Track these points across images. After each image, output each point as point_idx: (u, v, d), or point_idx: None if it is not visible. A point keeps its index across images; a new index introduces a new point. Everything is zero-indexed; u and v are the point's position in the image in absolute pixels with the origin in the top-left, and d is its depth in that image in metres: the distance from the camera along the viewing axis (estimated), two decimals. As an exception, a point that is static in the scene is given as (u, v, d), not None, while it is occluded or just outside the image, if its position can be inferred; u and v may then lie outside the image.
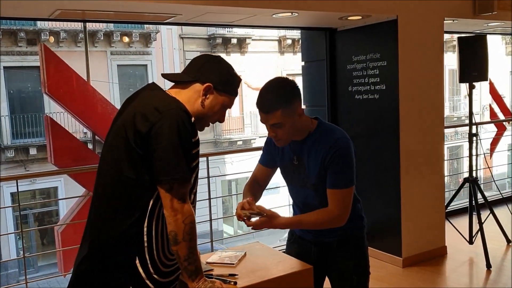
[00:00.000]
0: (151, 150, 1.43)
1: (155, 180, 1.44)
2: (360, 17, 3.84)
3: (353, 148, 1.95)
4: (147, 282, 1.46)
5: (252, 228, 1.85)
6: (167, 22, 3.63)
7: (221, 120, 1.66)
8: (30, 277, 11.83)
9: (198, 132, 1.56)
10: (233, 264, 1.89)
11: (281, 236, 12.95)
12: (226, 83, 1.60)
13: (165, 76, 1.65)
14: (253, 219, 1.89)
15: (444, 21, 4.15)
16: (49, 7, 2.87)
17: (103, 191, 1.52)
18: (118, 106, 13.79)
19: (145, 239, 1.46)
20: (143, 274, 1.46)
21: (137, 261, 1.45)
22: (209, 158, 3.93)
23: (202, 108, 1.58)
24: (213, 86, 1.57)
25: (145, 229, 1.46)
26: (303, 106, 2.06)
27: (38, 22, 12.92)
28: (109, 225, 1.47)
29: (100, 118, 3.95)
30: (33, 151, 12.49)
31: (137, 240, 1.46)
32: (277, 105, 1.83)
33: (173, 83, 1.64)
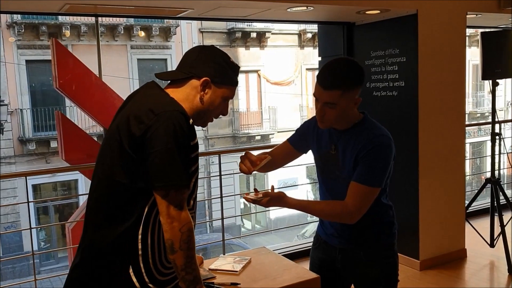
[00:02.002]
0: (146, 154, 1.35)
1: (151, 186, 1.37)
2: (378, 12, 3.71)
3: (394, 152, 1.84)
4: None
5: (256, 204, 1.76)
6: (179, 17, 3.56)
7: (224, 113, 1.58)
8: (50, 268, 12.04)
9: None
10: (237, 271, 1.81)
11: (299, 232, 12.86)
12: (224, 74, 1.51)
13: (159, 75, 1.55)
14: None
15: (467, 16, 3.99)
16: (57, 1, 2.83)
17: (97, 195, 1.45)
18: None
19: (140, 246, 1.39)
20: (137, 284, 1.39)
21: (131, 270, 1.38)
22: (226, 154, 3.86)
23: (201, 104, 1.49)
24: (210, 80, 1.48)
25: (139, 236, 1.38)
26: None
27: (60, 16, 13.03)
28: (101, 232, 1.41)
29: (111, 113, 3.91)
30: (54, 144, 12.62)
31: (130, 247, 1.38)
32: (340, 85, 1.73)
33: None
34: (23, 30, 12.47)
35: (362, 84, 1.82)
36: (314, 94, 1.80)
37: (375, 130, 1.85)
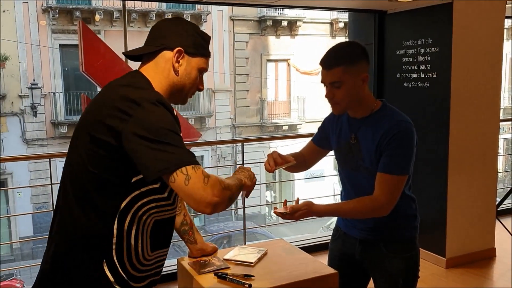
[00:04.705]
0: (133, 144, 1.23)
1: (157, 176, 1.23)
2: (412, 0, 3.58)
3: (416, 138, 1.80)
4: (116, 286, 1.33)
5: (287, 218, 1.73)
6: (206, 2, 3.51)
7: (201, 87, 1.47)
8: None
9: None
10: (252, 263, 1.76)
11: (324, 224, 12.75)
12: (197, 44, 1.41)
13: (128, 53, 1.45)
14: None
15: (506, 5, 3.81)
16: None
17: (71, 186, 1.36)
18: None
19: (114, 241, 1.31)
20: (111, 278, 1.32)
21: (105, 264, 1.32)
22: (252, 142, 3.82)
23: (177, 76, 1.40)
24: (184, 50, 1.39)
25: (115, 231, 1.31)
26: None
27: (93, 2, 13.20)
28: (76, 224, 1.33)
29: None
30: (85, 128, 12.84)
31: (104, 241, 1.31)
32: (340, 61, 1.73)
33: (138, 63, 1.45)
34: (57, 15, 12.68)
35: (366, 61, 1.79)
36: (321, 81, 1.80)
37: (395, 116, 1.80)
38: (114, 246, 1.31)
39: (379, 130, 1.76)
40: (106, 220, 1.31)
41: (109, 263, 1.32)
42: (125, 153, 1.24)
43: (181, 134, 1.33)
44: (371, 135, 1.79)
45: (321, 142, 2.03)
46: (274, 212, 1.76)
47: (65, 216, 1.37)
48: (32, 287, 1.41)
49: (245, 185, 1.44)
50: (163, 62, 1.39)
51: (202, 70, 1.44)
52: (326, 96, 1.80)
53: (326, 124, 2.02)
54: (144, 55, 1.42)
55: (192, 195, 1.21)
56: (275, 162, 1.79)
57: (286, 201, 1.79)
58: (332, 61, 1.75)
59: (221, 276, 1.64)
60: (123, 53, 1.49)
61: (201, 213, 1.25)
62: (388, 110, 1.83)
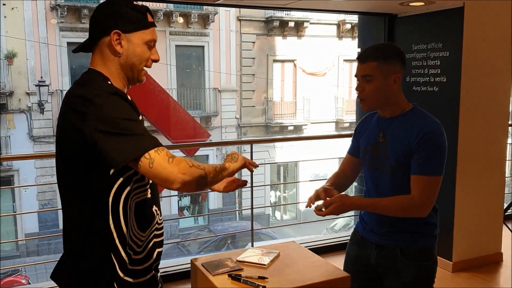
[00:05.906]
0: (97, 141, 1.27)
1: (122, 165, 1.28)
2: (422, 3, 3.59)
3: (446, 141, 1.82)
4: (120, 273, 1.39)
5: (324, 215, 1.76)
6: (218, 4, 3.53)
7: (152, 58, 1.45)
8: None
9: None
10: (265, 265, 1.78)
11: (328, 225, 12.77)
12: (133, 20, 1.39)
13: (75, 50, 1.47)
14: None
15: (517, 10, 3.81)
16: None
17: (63, 200, 1.44)
18: (174, 86, 13.80)
19: (115, 235, 1.37)
20: (120, 273, 1.38)
21: (113, 258, 1.38)
22: (258, 143, 3.82)
23: (121, 57, 1.39)
24: (121, 31, 1.37)
25: (111, 225, 1.36)
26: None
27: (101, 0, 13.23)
28: (76, 225, 1.40)
29: (147, 99, 3.94)
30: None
31: (106, 237, 1.36)
32: (374, 57, 1.80)
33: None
34: (65, 13, 12.73)
35: (401, 63, 1.84)
36: (355, 74, 1.87)
37: (427, 117, 1.84)
38: (117, 240, 1.36)
39: (411, 129, 1.79)
40: (102, 217, 1.35)
41: (116, 256, 1.37)
42: (95, 149, 1.28)
43: (140, 118, 1.37)
44: (401, 135, 1.81)
45: (356, 151, 2.04)
46: (317, 213, 1.77)
47: (66, 219, 1.43)
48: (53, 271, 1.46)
49: (228, 168, 1.45)
50: (106, 49, 1.40)
51: (149, 42, 1.43)
52: (356, 89, 1.85)
53: (357, 131, 2.06)
54: (91, 48, 1.43)
55: (157, 175, 1.28)
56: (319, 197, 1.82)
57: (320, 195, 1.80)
58: (368, 56, 1.81)
59: (235, 277, 1.66)
60: (72, 50, 1.51)
61: (168, 189, 1.31)
62: (419, 111, 1.87)
